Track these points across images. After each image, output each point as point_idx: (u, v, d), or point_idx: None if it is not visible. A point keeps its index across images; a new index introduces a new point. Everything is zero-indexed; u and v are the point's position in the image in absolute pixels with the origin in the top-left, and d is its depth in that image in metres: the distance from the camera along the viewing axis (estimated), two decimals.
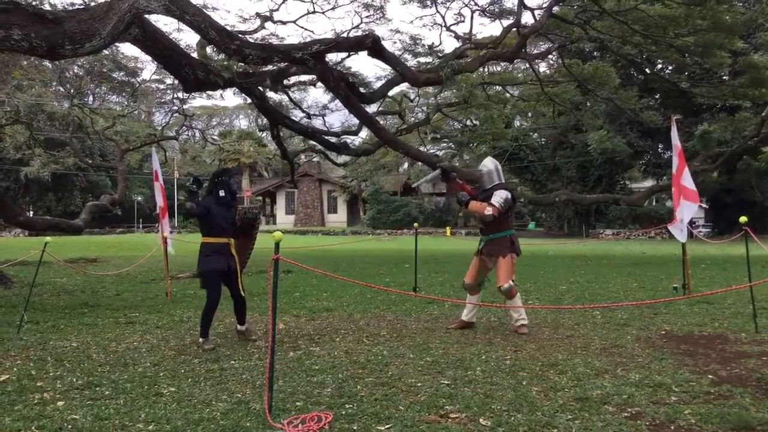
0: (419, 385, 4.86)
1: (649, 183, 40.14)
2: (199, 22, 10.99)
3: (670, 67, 30.52)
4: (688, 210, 8.89)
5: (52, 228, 15.71)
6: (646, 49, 19.05)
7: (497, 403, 4.37)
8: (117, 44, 20.96)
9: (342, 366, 5.51)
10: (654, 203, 43.17)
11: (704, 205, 43.09)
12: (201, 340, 6.46)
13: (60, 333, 7.35)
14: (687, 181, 8.94)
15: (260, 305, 9.38)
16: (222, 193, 6.67)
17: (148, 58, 13.27)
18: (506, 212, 7.18)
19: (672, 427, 3.85)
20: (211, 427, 3.91)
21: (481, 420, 4.01)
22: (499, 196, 7.07)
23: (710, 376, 5.00)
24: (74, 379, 5.16)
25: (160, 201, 11.07)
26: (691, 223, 9.69)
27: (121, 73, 35.81)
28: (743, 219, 7.29)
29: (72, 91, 25.27)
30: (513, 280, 7.03)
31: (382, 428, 3.88)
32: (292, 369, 5.43)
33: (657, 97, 34.84)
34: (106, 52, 24.14)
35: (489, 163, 7.46)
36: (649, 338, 6.61)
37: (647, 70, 28.81)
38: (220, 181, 6.78)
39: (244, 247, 7.18)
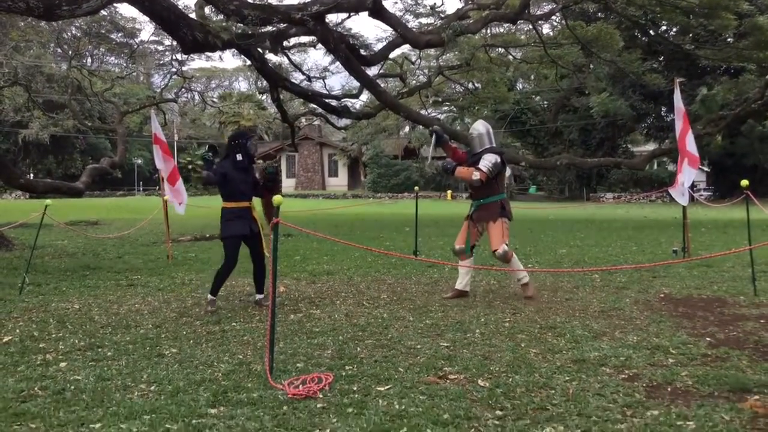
0: (419, 347, 4.90)
1: (651, 146, 39.96)
2: None
3: (674, 29, 30.13)
4: (689, 174, 8.86)
5: (53, 191, 15.72)
6: (651, 11, 18.81)
7: (495, 364, 4.41)
8: (115, 4, 20.70)
9: (342, 328, 5.55)
10: (656, 167, 43.11)
11: (706, 169, 43.02)
12: (209, 297, 6.49)
13: (62, 295, 7.39)
14: (690, 145, 8.89)
15: None
16: (239, 156, 6.52)
17: (146, 18, 13.12)
18: (496, 176, 6.96)
19: (669, 389, 3.89)
20: (212, 388, 3.95)
21: (479, 381, 4.05)
22: (487, 160, 6.86)
23: (708, 339, 5.04)
24: (76, 341, 5.20)
25: (159, 163, 10.60)
26: (692, 186, 9.67)
27: (120, 35, 35.47)
28: (744, 183, 7.28)
29: (70, 52, 25.06)
30: (507, 244, 6.89)
31: (382, 389, 3.92)
32: (293, 331, 5.47)
33: (661, 59, 34.51)
34: (103, 12, 23.85)
35: (480, 126, 7.22)
36: (647, 301, 6.65)
37: (651, 32, 28.44)
38: (237, 144, 6.62)
39: (271, 205, 7.08)
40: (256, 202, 6.76)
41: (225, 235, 6.55)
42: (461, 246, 7.16)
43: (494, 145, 7.22)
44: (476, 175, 6.83)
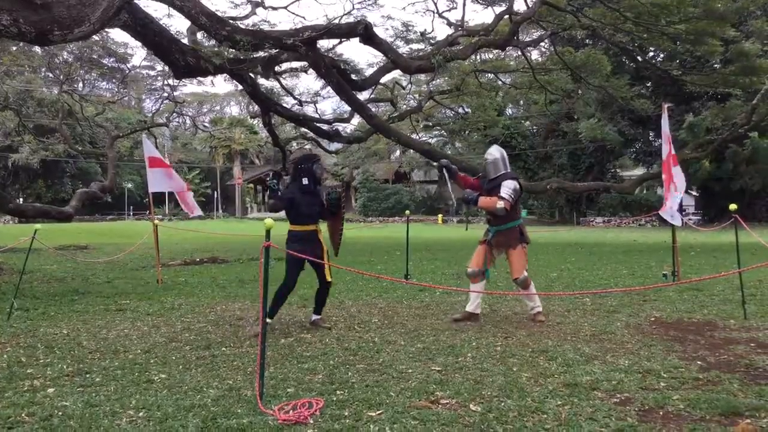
0: (410, 371, 4.88)
1: (639, 171, 40.31)
2: (190, 7, 10.93)
3: (661, 55, 30.54)
4: (675, 198, 8.93)
5: (43, 215, 15.64)
6: (638, 37, 19.06)
7: (487, 389, 4.39)
8: (106, 30, 20.80)
9: (333, 353, 5.52)
10: (644, 191, 43.39)
11: (694, 193, 43.34)
12: (268, 320, 6.43)
13: (50, 320, 7.33)
14: (675, 169, 8.98)
15: (252, 292, 9.38)
16: (305, 181, 6.58)
17: (138, 44, 13.17)
18: (515, 202, 7.02)
19: (661, 413, 3.88)
20: (202, 414, 3.92)
21: (471, 405, 4.03)
22: (508, 187, 6.86)
23: (699, 363, 5.04)
24: (64, 366, 5.15)
25: (155, 186, 10.70)
26: (681, 210, 9.74)
27: (111, 60, 35.50)
28: (733, 206, 7.33)
29: (61, 77, 25.10)
30: (526, 269, 6.96)
31: (373, 414, 3.89)
32: (284, 356, 5.44)
33: (648, 85, 34.92)
34: (95, 37, 23.93)
35: (495, 152, 7.22)
36: (638, 325, 6.65)
37: (639, 58, 28.83)
38: (303, 168, 6.65)
39: (336, 228, 7.13)
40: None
41: (290, 258, 6.56)
42: (474, 269, 7.08)
43: (509, 170, 7.22)
44: (500, 204, 6.80)
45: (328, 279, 6.74)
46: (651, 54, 30.33)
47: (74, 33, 8.32)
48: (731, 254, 10.09)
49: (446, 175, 7.31)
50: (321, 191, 6.85)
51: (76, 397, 4.29)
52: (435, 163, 7.77)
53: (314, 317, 6.86)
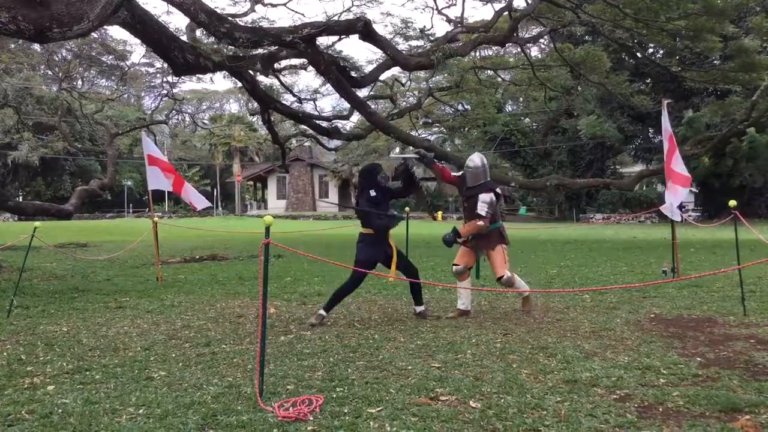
0: (410, 368, 4.88)
1: (639, 167, 40.30)
2: (189, 4, 10.91)
3: (661, 52, 30.49)
4: (679, 193, 8.94)
5: (42, 213, 15.65)
6: (638, 33, 19.04)
7: (487, 385, 4.39)
8: (105, 27, 20.78)
9: (333, 350, 5.52)
10: (644, 188, 43.39)
11: (694, 190, 43.36)
12: (321, 312, 6.77)
13: (50, 318, 7.33)
14: (678, 165, 8.97)
15: (251, 290, 9.38)
16: (373, 192, 6.89)
17: (137, 41, 13.18)
18: (494, 209, 7.13)
19: (660, 409, 3.89)
20: (201, 411, 3.92)
21: (471, 402, 4.03)
22: (484, 202, 6.93)
23: (698, 359, 5.04)
24: (64, 364, 5.15)
25: (154, 184, 10.70)
26: (681, 207, 9.75)
27: (110, 57, 35.46)
28: (732, 203, 7.33)
29: (60, 74, 25.09)
30: (508, 268, 7.08)
31: (373, 411, 3.89)
32: (283, 353, 5.44)
33: (648, 81, 34.91)
34: (94, 35, 23.92)
35: (477, 160, 7.18)
36: (638, 321, 6.65)
37: (638, 55, 28.81)
38: (368, 181, 7.01)
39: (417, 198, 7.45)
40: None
41: (362, 258, 6.88)
42: (460, 267, 7.23)
43: (488, 179, 7.24)
44: (480, 223, 6.95)
45: (392, 272, 6.96)
46: (650, 50, 30.34)
47: (73, 30, 8.30)
48: (731, 251, 10.11)
49: (417, 159, 7.42)
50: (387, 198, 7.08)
51: (75, 395, 4.29)
52: (407, 155, 7.75)
53: (418, 309, 7.06)
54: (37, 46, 23.07)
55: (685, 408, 3.90)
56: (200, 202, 11.22)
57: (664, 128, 9.39)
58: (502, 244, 7.15)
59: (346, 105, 19.58)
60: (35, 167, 47.35)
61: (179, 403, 4.09)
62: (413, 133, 27.21)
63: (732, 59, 19.35)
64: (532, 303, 7.37)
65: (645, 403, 3.99)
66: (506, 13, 16.86)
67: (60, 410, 3.98)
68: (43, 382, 4.64)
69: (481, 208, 6.93)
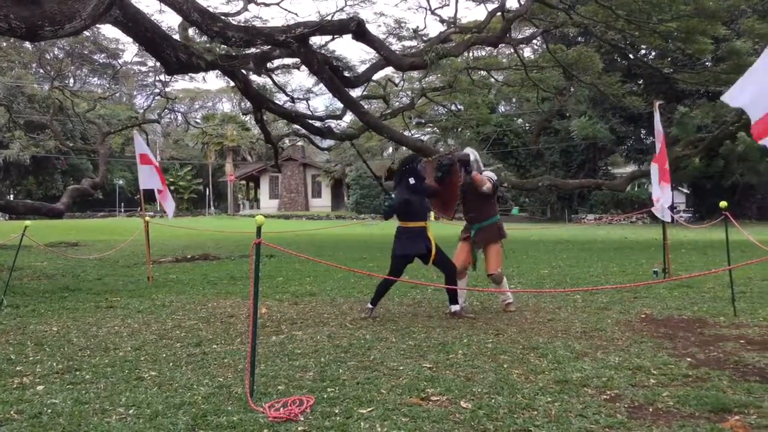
0: (401, 368, 4.88)
1: (630, 168, 40.46)
2: (181, 3, 10.88)
3: (653, 53, 30.63)
4: (667, 194, 9.00)
5: (33, 212, 15.58)
6: (630, 35, 19.10)
7: (478, 386, 4.39)
8: (98, 26, 20.69)
9: (324, 350, 5.51)
10: (636, 188, 43.56)
11: (685, 190, 43.53)
12: (369, 305, 7.05)
13: (40, 317, 7.29)
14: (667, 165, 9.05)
15: (243, 290, 9.36)
16: (412, 180, 6.93)
17: (130, 40, 13.13)
18: (493, 197, 7.37)
19: (650, 410, 3.90)
20: (192, 411, 3.90)
21: (462, 402, 4.04)
22: (490, 176, 7.24)
23: (689, 359, 5.06)
24: (54, 364, 5.12)
25: (147, 183, 10.81)
26: (672, 207, 9.81)
27: (102, 55, 35.38)
28: (723, 204, 7.36)
29: (52, 73, 24.98)
30: (501, 266, 7.24)
31: (364, 411, 3.89)
32: (275, 353, 5.43)
33: (640, 82, 35.02)
34: (86, 33, 23.83)
35: (470, 154, 7.43)
36: (629, 322, 6.67)
37: (630, 56, 28.93)
38: (409, 168, 7.02)
39: (451, 197, 7.28)
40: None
41: (398, 253, 7.02)
42: (459, 266, 7.32)
43: (482, 170, 7.46)
44: (488, 185, 7.14)
45: (449, 261, 7.04)
46: (642, 52, 30.44)
47: (65, 29, 8.28)
48: (722, 251, 10.15)
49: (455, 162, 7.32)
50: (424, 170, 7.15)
51: (65, 395, 4.27)
52: (450, 158, 7.42)
53: (453, 308, 7.05)
54: (28, 44, 22.94)
55: (675, 408, 3.91)
56: (171, 210, 11.45)
57: (656, 129, 9.44)
58: (501, 238, 7.35)
59: (339, 105, 19.59)
60: (26, 166, 47.14)
61: (169, 403, 4.08)
62: (406, 133, 27.22)
63: (724, 61, 19.44)
64: (513, 304, 7.49)
65: (635, 404, 4.00)
66: (499, 13, 16.89)
67: (49, 410, 3.96)
68: (33, 382, 4.62)
69: (488, 175, 7.24)
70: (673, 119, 30.29)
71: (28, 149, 36.39)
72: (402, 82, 27.42)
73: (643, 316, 7.03)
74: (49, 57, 27.66)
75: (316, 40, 15.99)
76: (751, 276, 9.99)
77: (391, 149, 52.78)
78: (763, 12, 22.80)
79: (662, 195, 9.04)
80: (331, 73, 13.86)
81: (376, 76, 19.41)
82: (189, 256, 14.92)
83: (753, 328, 6.26)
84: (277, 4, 18.54)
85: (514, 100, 44.71)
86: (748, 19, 21.27)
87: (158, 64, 14.77)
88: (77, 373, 4.86)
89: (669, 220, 9.36)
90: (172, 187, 52.12)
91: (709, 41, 17.76)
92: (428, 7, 19.95)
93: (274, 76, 19.63)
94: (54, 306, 8.03)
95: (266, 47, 13.55)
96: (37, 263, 13.49)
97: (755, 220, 35.61)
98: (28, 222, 8.53)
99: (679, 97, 33.35)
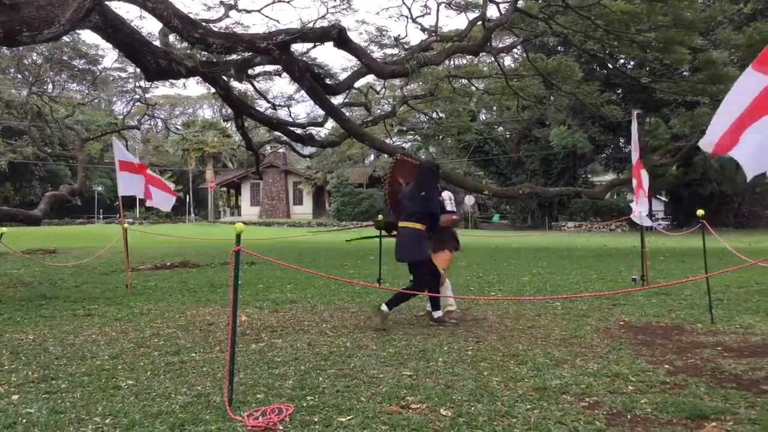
0: (381, 376, 4.87)
1: (610, 176, 40.84)
2: (162, 9, 10.83)
3: (631, 63, 30.90)
4: (644, 202, 9.10)
5: (10, 218, 15.35)
6: (609, 45, 19.31)
7: (458, 393, 4.40)
8: (77, 31, 20.53)
9: (304, 358, 5.49)
10: (615, 196, 43.99)
11: (664, 198, 43.98)
12: (384, 307, 6.90)
13: (16, 325, 7.19)
14: (643, 174, 9.15)
15: (222, 297, 9.30)
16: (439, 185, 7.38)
17: (109, 45, 13.04)
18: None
19: (629, 417, 3.93)
20: (169, 420, 3.87)
21: (441, 410, 4.04)
22: (448, 198, 7.47)
23: (666, 366, 5.10)
24: (30, 373, 5.05)
25: (125, 190, 10.51)
26: (651, 215, 9.92)
27: (82, 61, 35.08)
28: (700, 212, 7.45)
29: (30, 78, 24.71)
30: (444, 269, 7.30)
31: (344, 420, 3.88)
32: (254, 361, 5.39)
33: (619, 92, 35.35)
34: (65, 39, 23.61)
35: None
36: (607, 329, 6.72)
37: (609, 65, 29.21)
38: (436, 173, 7.33)
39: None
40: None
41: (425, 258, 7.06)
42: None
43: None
44: (455, 217, 7.50)
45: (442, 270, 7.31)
46: (621, 61, 30.72)
47: (43, 34, 8.21)
48: (699, 259, 10.26)
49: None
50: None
51: (41, 404, 4.21)
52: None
53: (435, 314, 7.19)
54: (6, 50, 22.70)
55: (653, 415, 3.94)
56: (166, 201, 11.15)
57: (633, 138, 9.54)
58: (452, 248, 7.46)
59: (321, 112, 19.58)
60: (3, 172, 46.49)
61: (147, 412, 4.03)
62: (388, 140, 27.27)
63: (700, 71, 19.67)
64: (451, 314, 7.36)
65: (614, 411, 4.03)
66: (480, 23, 16.98)
67: (24, 420, 3.91)
68: (8, 392, 4.55)
69: (449, 205, 7.43)
70: (644, 129, 30.61)
71: (5, 155, 35.95)
72: (383, 90, 27.50)
73: (622, 323, 7.08)
74: (27, 62, 27.39)
75: (297, 47, 15.98)
76: (728, 283, 10.11)
77: (372, 156, 52.84)
78: (738, 23, 23.16)
79: (639, 204, 9.13)
80: (313, 81, 13.85)
81: (357, 84, 19.44)
82: (168, 264, 14.79)
83: (730, 335, 6.33)
84: (259, 11, 18.50)
85: (494, 108, 44.96)
86: (724, 29, 21.56)
87: (138, 70, 14.68)
88: (53, 382, 4.79)
89: (648, 224, 9.46)
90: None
91: (686, 51, 17.99)
92: (410, 16, 20.07)
93: (255, 82, 19.57)
94: (30, 314, 7.92)
95: (247, 54, 13.53)
96: (14, 270, 13.31)
97: (732, 228, 36.04)
98: (4, 229, 8.43)
99: (657, 107, 33.71)
